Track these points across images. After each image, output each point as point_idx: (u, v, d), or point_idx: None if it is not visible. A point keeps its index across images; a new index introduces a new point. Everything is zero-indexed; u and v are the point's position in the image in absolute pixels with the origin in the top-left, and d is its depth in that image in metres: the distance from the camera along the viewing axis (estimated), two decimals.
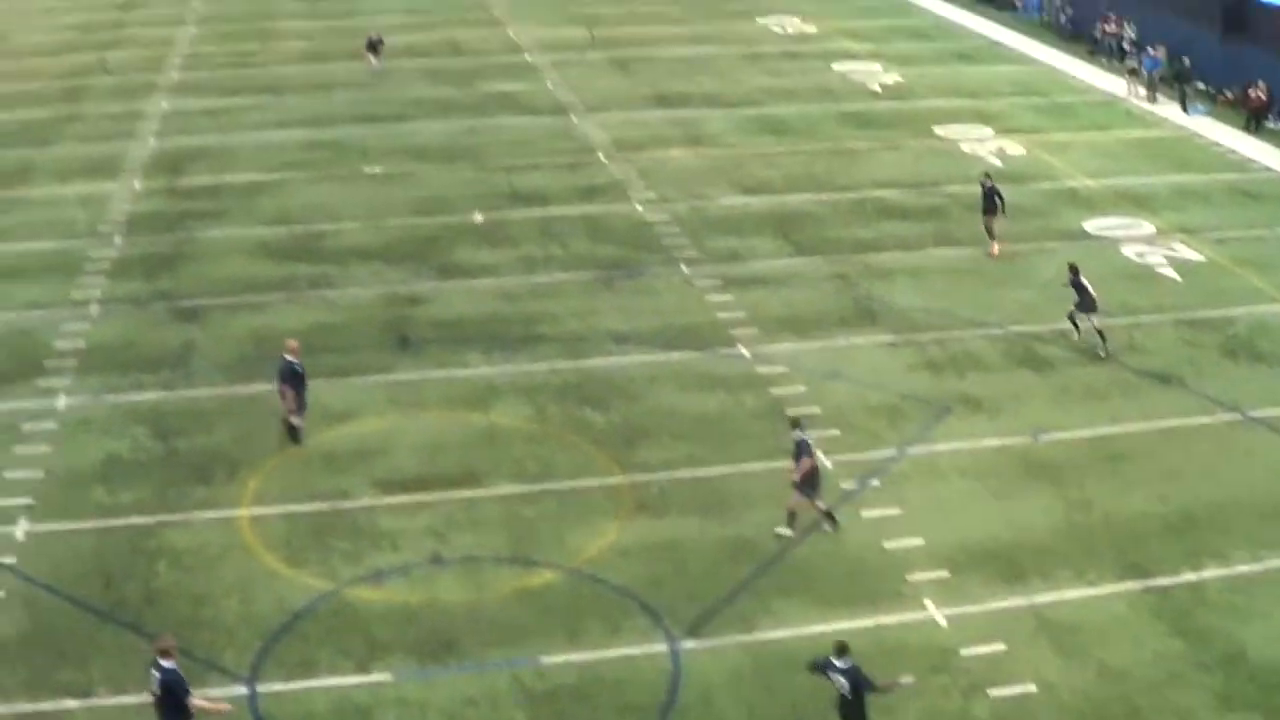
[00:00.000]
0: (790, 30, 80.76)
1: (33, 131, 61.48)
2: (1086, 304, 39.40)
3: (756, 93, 66.59)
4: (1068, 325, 39.76)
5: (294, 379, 34.33)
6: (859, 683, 22.75)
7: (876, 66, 71.63)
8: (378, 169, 55.49)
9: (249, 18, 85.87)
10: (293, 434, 34.61)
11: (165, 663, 23.02)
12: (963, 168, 53.97)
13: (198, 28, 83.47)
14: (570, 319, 41.76)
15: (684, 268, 45.34)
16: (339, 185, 53.76)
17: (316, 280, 44.71)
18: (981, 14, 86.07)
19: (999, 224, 46.51)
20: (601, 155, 56.88)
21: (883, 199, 51.31)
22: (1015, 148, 57.55)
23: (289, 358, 34.48)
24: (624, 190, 52.63)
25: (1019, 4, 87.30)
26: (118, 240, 48.08)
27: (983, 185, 46.82)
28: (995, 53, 76.19)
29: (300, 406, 34.51)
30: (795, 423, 31.10)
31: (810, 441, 30.40)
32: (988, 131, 59.86)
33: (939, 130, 60.07)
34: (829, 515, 30.56)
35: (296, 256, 46.66)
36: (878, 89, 67.48)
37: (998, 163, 54.98)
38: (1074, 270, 39.87)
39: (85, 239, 48.06)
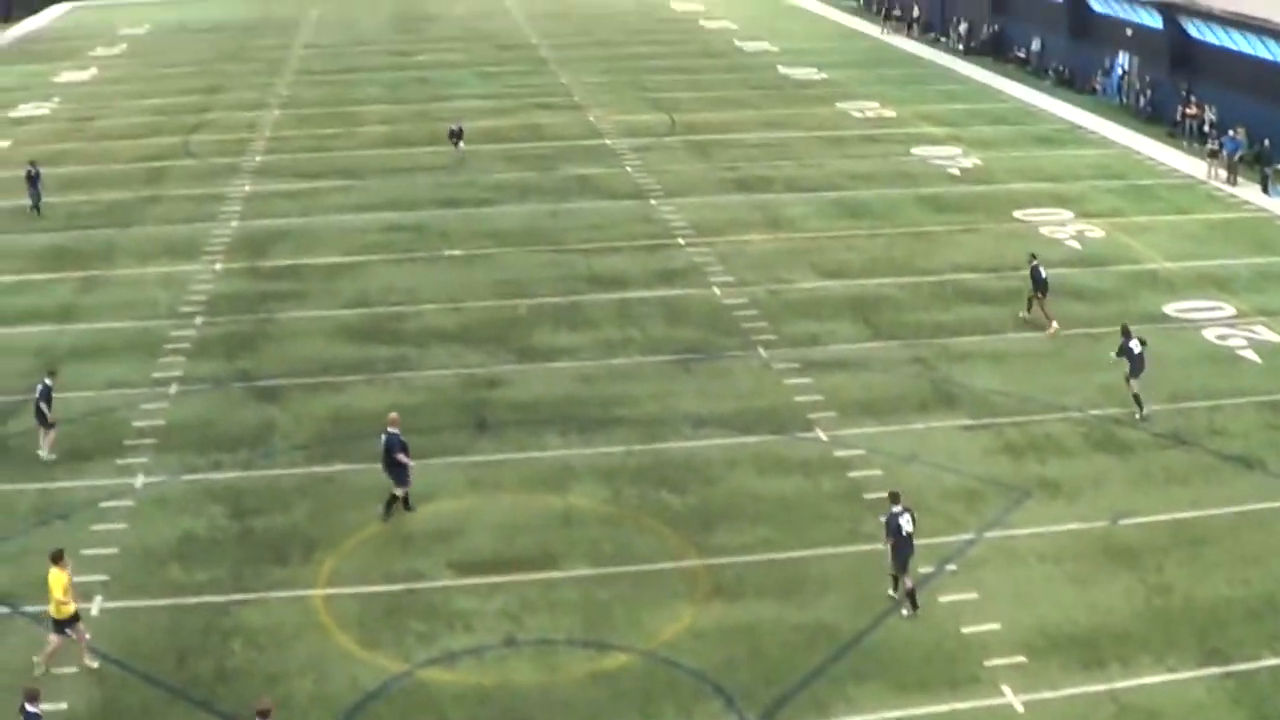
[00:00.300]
0: (869, 115, 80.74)
1: (116, 213, 62.28)
2: (1135, 368, 39.83)
3: (836, 177, 66.63)
4: (1148, 408, 39.74)
5: (405, 450, 34.76)
6: None
7: (956, 150, 71.56)
8: (458, 252, 55.74)
9: (331, 102, 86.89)
10: (406, 503, 35.09)
11: None
12: (1042, 251, 53.67)
13: (281, 111, 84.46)
14: (648, 402, 41.72)
15: (762, 351, 45.27)
16: (419, 268, 54.06)
17: (396, 362, 44.88)
18: (1061, 98, 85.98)
19: (1048, 305, 46.96)
20: (680, 239, 56.95)
21: (962, 282, 51.12)
22: (1095, 231, 57.28)
23: (393, 430, 34.91)
24: (703, 274, 52.66)
25: (1099, 88, 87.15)
26: (198, 320, 48.50)
27: (1031, 266, 47.15)
28: (1075, 136, 75.98)
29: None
30: (892, 497, 31.13)
31: (900, 516, 30.37)
32: (1067, 215, 59.61)
33: (1018, 214, 59.88)
34: (910, 595, 30.38)
35: (376, 338, 46.90)
36: (957, 173, 67.38)
37: (1077, 246, 54.95)
38: (1126, 334, 40.51)
39: (166, 319, 48.49)
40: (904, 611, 30.27)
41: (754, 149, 72.40)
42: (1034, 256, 47.93)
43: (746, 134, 75.88)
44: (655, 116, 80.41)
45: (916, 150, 71.73)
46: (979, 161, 69.30)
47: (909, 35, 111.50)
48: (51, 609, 28.44)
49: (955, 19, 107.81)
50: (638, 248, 56.05)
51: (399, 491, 34.86)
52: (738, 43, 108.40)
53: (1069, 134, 76.53)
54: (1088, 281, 50.67)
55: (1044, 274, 46.99)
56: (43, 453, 38.18)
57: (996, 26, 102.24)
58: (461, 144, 70.65)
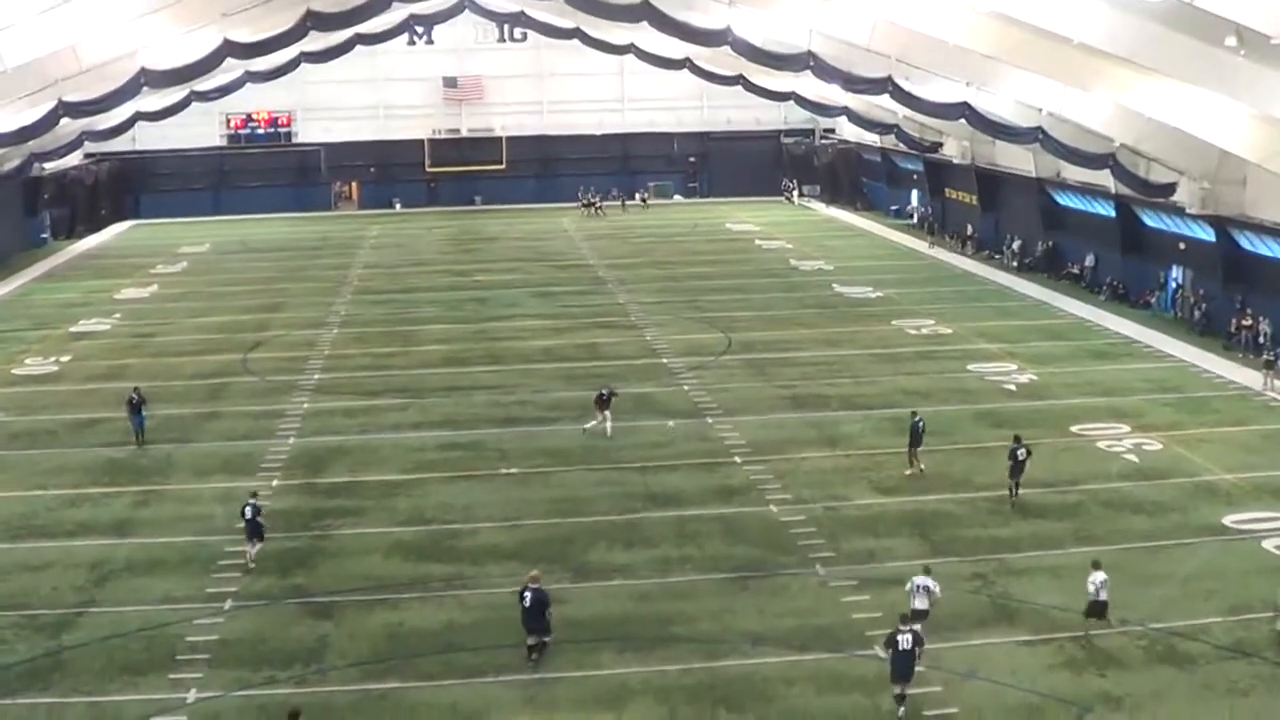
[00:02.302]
0: (925, 332, 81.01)
1: (174, 428, 62.58)
2: (1015, 471, 50.13)
3: (892, 393, 66.59)
4: (1208, 620, 39.79)
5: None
6: None
7: (1012, 366, 71.63)
8: (514, 470, 55.80)
9: (390, 321, 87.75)
10: (541, 650, 38.02)
11: None
12: (1100, 466, 53.62)
13: (339, 329, 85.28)
14: (705, 620, 41.37)
15: (820, 569, 44.97)
16: (476, 485, 54.05)
17: (451, 579, 44.74)
18: (1116, 312, 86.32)
19: (918, 454, 54.25)
20: (737, 457, 56.88)
21: (1020, 497, 50.72)
22: (1152, 444, 57.08)
23: (536, 586, 38.05)
24: (759, 492, 52.49)
25: (1153, 302, 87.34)
26: None
27: (912, 423, 54.46)
28: (1130, 350, 76.10)
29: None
30: (901, 618, 35.16)
31: (900, 635, 34.45)
32: (1124, 428, 59.45)
33: (1075, 428, 59.74)
34: (899, 700, 33.90)
35: (432, 555, 46.79)
36: (1013, 388, 67.40)
37: (1134, 459, 54.76)
38: (1017, 440, 50.77)
39: (222, 535, 48.45)
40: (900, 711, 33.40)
41: (810, 367, 72.60)
42: (915, 413, 55.45)
43: (802, 352, 76.17)
44: (712, 335, 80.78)
45: (972, 366, 71.80)
46: (1035, 377, 69.33)
47: (963, 253, 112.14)
48: None
49: (1009, 236, 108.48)
50: (694, 466, 55.99)
51: (548, 639, 37.84)
52: (793, 262, 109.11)
53: (1124, 348, 76.63)
54: (1146, 495, 50.43)
55: (921, 430, 54.11)
56: (251, 560, 45.30)
57: (1050, 243, 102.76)
58: (606, 414, 60.65)
